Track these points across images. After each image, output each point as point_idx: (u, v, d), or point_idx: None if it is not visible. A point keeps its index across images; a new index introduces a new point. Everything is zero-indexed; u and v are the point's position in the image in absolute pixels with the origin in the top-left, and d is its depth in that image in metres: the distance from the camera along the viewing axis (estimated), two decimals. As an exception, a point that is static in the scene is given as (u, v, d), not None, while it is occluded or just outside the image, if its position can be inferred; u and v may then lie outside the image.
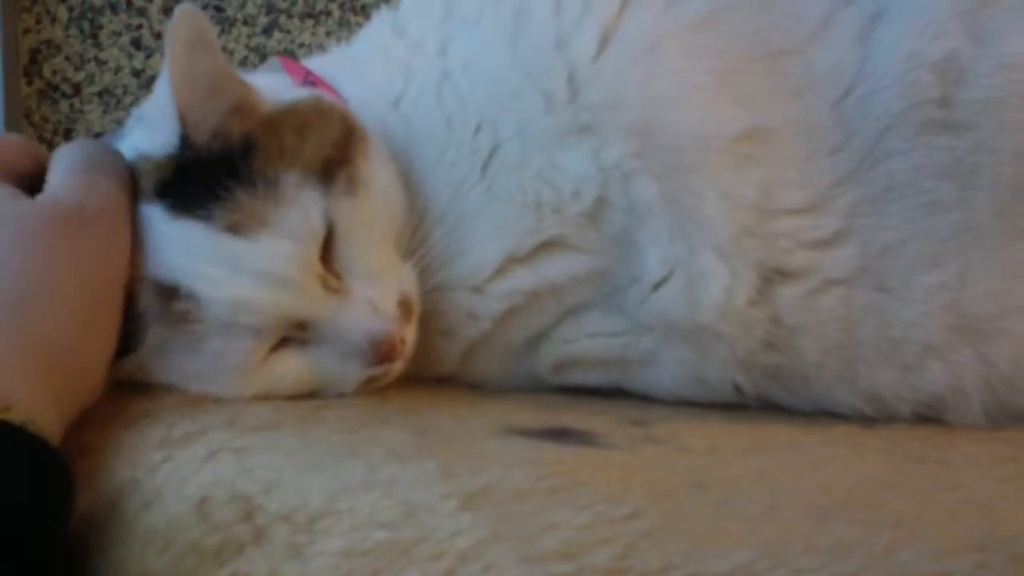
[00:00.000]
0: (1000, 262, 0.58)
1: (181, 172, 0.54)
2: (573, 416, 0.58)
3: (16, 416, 0.41)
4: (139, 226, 0.55)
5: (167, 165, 0.55)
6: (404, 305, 0.58)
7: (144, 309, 0.54)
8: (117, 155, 0.57)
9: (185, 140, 0.54)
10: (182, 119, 0.54)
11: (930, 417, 0.60)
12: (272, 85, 0.61)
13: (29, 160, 0.57)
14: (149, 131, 0.57)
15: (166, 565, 0.39)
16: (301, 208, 0.55)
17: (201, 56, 0.54)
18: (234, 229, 0.53)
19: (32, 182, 0.55)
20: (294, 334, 0.55)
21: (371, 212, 0.58)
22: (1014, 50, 0.57)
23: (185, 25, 0.53)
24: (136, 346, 0.54)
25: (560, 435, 0.54)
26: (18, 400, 0.42)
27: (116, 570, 0.40)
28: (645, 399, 0.63)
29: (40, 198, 0.53)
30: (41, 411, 0.44)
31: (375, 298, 0.56)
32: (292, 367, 0.56)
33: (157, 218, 0.55)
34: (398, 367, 0.58)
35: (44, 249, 0.50)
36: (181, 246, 0.54)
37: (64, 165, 0.55)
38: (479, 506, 0.41)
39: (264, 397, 0.56)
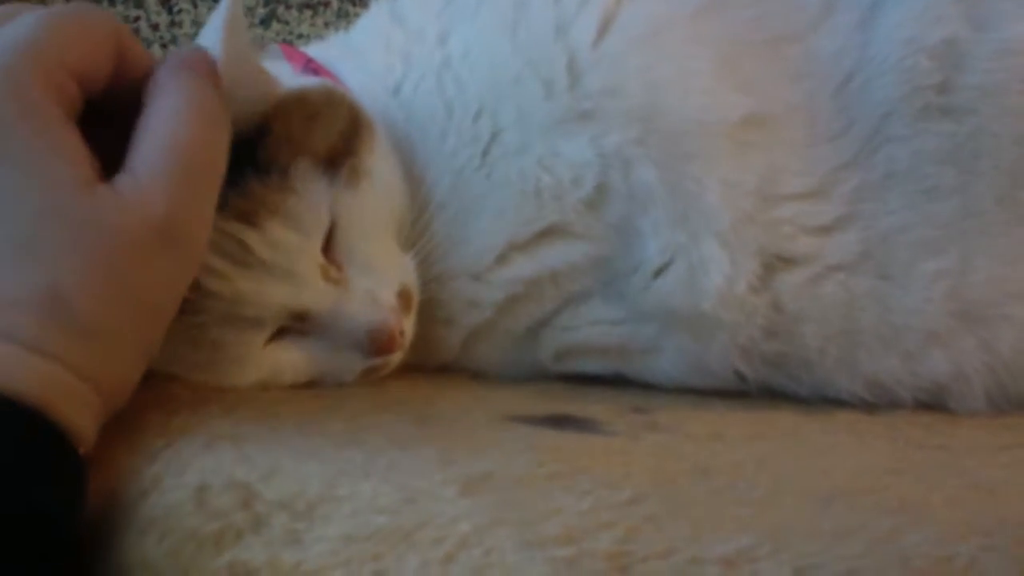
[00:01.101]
0: (1001, 248, 0.58)
1: None
2: (574, 404, 0.58)
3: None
4: None
5: None
6: (403, 297, 0.58)
7: None
8: (225, 130, 0.48)
9: None
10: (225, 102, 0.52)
11: (932, 404, 0.60)
12: (275, 72, 0.60)
13: (106, 60, 0.46)
14: None
15: (164, 553, 0.38)
16: (308, 198, 0.54)
17: (244, 44, 0.52)
18: (245, 218, 0.52)
19: (114, 86, 0.46)
20: (293, 324, 0.55)
21: (373, 204, 0.58)
22: (1014, 35, 0.57)
23: (235, 11, 0.50)
24: None
25: (561, 422, 0.54)
26: (67, 420, 0.40)
27: (115, 558, 0.40)
28: (647, 387, 0.63)
29: (121, 191, 0.43)
30: (87, 436, 0.42)
31: (375, 289, 0.56)
32: (291, 357, 0.56)
33: None
34: (396, 358, 0.57)
35: (119, 273, 0.43)
36: None
37: (161, 135, 0.45)
38: (480, 492, 0.41)
39: (263, 387, 0.55)
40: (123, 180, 0.44)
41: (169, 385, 0.54)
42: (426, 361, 0.62)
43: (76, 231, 0.42)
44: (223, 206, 0.51)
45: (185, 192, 0.45)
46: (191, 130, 0.46)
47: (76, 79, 0.45)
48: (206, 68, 0.48)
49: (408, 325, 0.58)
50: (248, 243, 0.52)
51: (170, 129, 0.45)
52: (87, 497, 0.41)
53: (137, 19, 1.38)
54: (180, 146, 0.45)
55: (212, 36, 0.51)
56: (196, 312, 0.52)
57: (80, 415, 0.41)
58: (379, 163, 0.59)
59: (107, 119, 0.46)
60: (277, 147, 0.54)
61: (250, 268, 0.52)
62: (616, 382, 0.63)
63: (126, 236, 0.43)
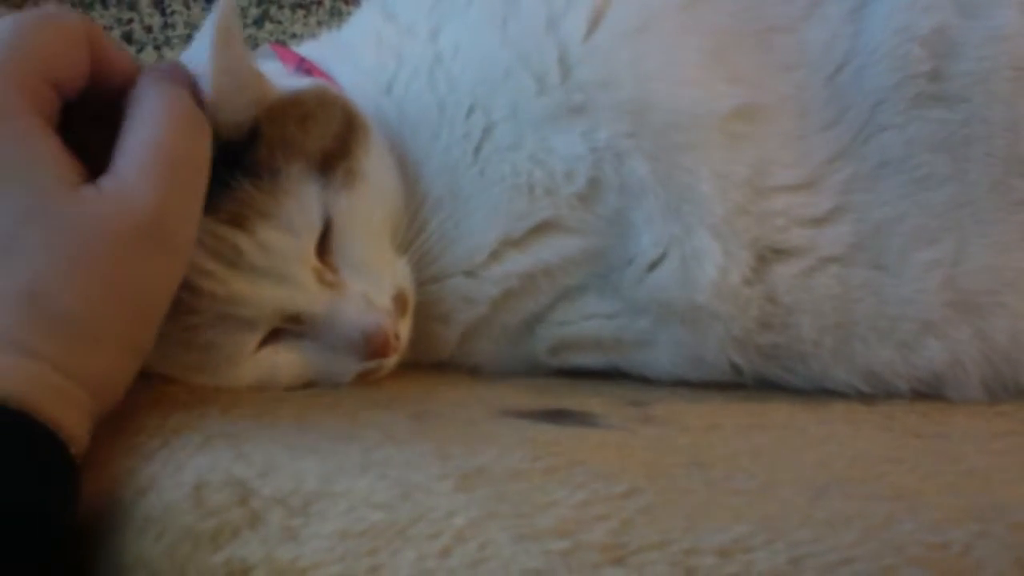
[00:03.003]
0: (995, 236, 0.58)
1: None
2: (571, 398, 0.58)
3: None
4: None
5: None
6: (399, 300, 0.58)
7: None
8: (205, 134, 0.49)
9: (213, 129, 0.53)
10: (214, 112, 0.52)
11: (929, 394, 0.60)
12: (268, 72, 0.60)
13: (81, 62, 0.47)
14: None
15: (162, 551, 0.38)
16: (300, 201, 0.54)
17: (236, 52, 0.52)
18: (236, 222, 0.52)
19: (91, 86, 0.47)
20: (288, 326, 0.55)
21: (369, 205, 0.58)
22: (1004, 21, 0.57)
23: (227, 19, 0.51)
24: None
25: (557, 416, 0.54)
26: (58, 421, 0.41)
27: (113, 557, 0.40)
28: (643, 380, 0.63)
29: (106, 191, 0.44)
30: (78, 434, 0.42)
31: (370, 292, 0.56)
32: (287, 360, 0.56)
33: None
34: (392, 362, 0.57)
35: (106, 271, 0.43)
36: None
37: (143, 138, 0.46)
38: (475, 486, 0.41)
39: (259, 389, 0.55)
40: (107, 181, 0.45)
41: (166, 386, 0.54)
42: (422, 358, 0.62)
43: (60, 231, 0.43)
44: (215, 210, 0.51)
45: (170, 191, 0.46)
46: (173, 132, 0.47)
47: (51, 84, 0.45)
48: (183, 78, 0.50)
49: (404, 328, 0.58)
50: (240, 247, 0.52)
51: (152, 131, 0.46)
52: (79, 496, 0.41)
53: (130, 21, 1.38)
54: (162, 147, 0.46)
55: (204, 43, 0.51)
56: (190, 313, 0.52)
57: (68, 413, 0.41)
58: (374, 164, 0.59)
59: (89, 120, 0.47)
60: (269, 150, 0.54)
61: (243, 271, 0.52)
62: (612, 376, 0.64)
63: (111, 235, 0.43)
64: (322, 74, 0.65)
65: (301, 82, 0.61)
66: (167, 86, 0.48)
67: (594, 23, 0.61)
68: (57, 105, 0.46)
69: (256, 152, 0.54)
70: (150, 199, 0.45)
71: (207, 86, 0.51)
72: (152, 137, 0.46)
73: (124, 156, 0.45)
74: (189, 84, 0.50)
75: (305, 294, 0.54)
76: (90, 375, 0.43)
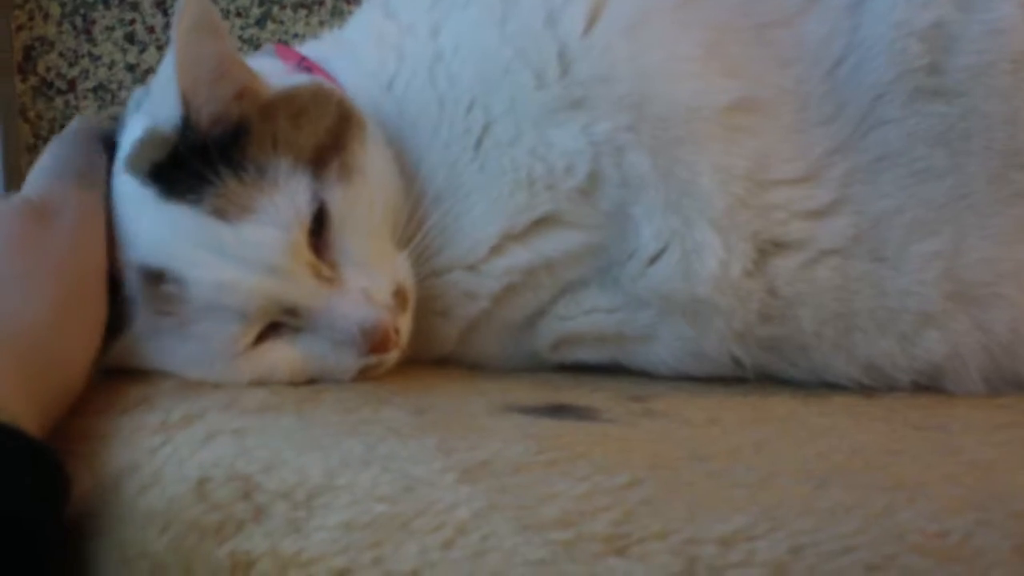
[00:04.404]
0: (994, 228, 0.58)
1: (177, 156, 0.54)
2: (572, 393, 0.58)
3: (4, 416, 0.41)
4: (125, 211, 0.55)
5: (163, 148, 0.55)
6: (399, 295, 0.58)
7: (131, 293, 0.54)
8: (84, 149, 0.58)
9: (186, 123, 0.54)
10: (185, 103, 0.54)
11: (929, 386, 0.60)
12: (266, 70, 0.61)
13: None
14: (149, 115, 0.57)
15: (167, 545, 0.39)
16: (289, 195, 0.54)
17: (207, 40, 0.54)
18: (219, 214, 0.53)
19: None
20: (286, 320, 0.55)
21: (366, 199, 0.58)
22: (1001, 15, 0.57)
23: (192, 9, 0.52)
24: (123, 328, 0.54)
25: (559, 411, 0.54)
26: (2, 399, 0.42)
27: (117, 551, 0.41)
28: (644, 375, 0.63)
29: (12, 197, 0.54)
30: (21, 410, 0.43)
31: (369, 287, 0.56)
32: (286, 355, 0.56)
33: (148, 201, 0.55)
34: (392, 356, 0.58)
35: (11, 244, 0.51)
36: (170, 230, 0.54)
37: (36, 166, 0.57)
38: (478, 479, 0.41)
39: (260, 384, 0.56)
40: (13, 195, 0.54)
41: (167, 381, 0.55)
42: (424, 353, 0.62)
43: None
44: (200, 202, 0.52)
45: (55, 184, 0.55)
46: (52, 152, 0.58)
47: None
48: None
49: (404, 323, 0.58)
50: (223, 238, 0.53)
51: (38, 164, 0.58)
52: (67, 501, 0.41)
53: (133, 22, 1.38)
54: (45, 165, 0.57)
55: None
56: (180, 302, 0.52)
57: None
58: (371, 158, 0.59)
59: None
60: (259, 146, 0.55)
61: (228, 260, 0.53)
62: (613, 371, 0.64)
63: (8, 224, 0.52)
64: (323, 72, 0.65)
65: (297, 79, 0.62)
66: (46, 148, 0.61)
67: (592, 19, 0.61)
68: None
69: (245, 147, 0.55)
70: (37, 193, 0.55)
71: (174, 83, 0.53)
72: (38, 166, 0.58)
73: (26, 182, 0.57)
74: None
75: (300, 287, 0.54)
76: (23, 343, 0.48)
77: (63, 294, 0.50)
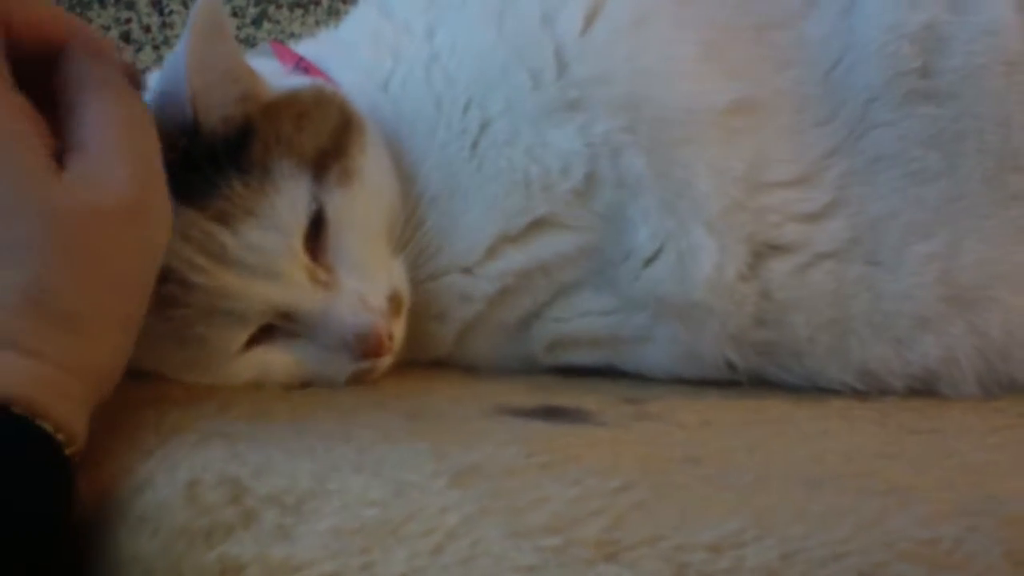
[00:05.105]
0: (990, 230, 0.58)
1: (185, 158, 0.53)
2: (566, 395, 0.58)
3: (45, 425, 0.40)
4: None
5: (172, 151, 0.54)
6: (393, 300, 0.58)
7: None
8: (147, 108, 0.50)
9: (195, 126, 0.53)
10: (194, 105, 0.53)
11: (923, 391, 0.60)
12: (266, 71, 0.61)
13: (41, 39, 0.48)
14: (155, 116, 0.56)
15: (157, 549, 0.39)
16: (288, 198, 0.54)
17: (218, 44, 0.53)
18: (222, 219, 0.53)
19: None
20: (281, 324, 0.55)
21: (364, 204, 0.58)
22: (993, 16, 0.57)
23: (205, 12, 0.52)
24: None
25: (552, 414, 0.54)
26: (64, 423, 0.41)
27: (109, 554, 0.40)
28: (638, 377, 0.63)
29: (84, 175, 0.44)
30: (81, 433, 0.42)
31: (364, 292, 0.56)
32: (281, 359, 0.56)
33: None
34: (386, 362, 0.57)
35: (97, 258, 0.44)
36: (175, 234, 0.53)
37: (102, 117, 0.46)
38: (469, 483, 0.41)
39: (254, 387, 0.55)
40: (80, 163, 0.45)
41: (162, 385, 0.54)
42: (419, 356, 0.62)
43: (50, 225, 0.43)
44: (204, 207, 0.52)
45: (140, 166, 0.46)
46: (128, 108, 0.48)
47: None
48: (110, 57, 0.50)
49: (398, 329, 0.58)
50: (225, 243, 0.52)
51: (109, 110, 0.47)
52: (75, 496, 0.41)
53: (128, 21, 1.38)
54: (123, 124, 0.47)
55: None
56: (181, 306, 0.52)
57: (67, 410, 0.41)
58: (370, 162, 0.59)
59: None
60: (264, 148, 0.54)
61: (230, 266, 0.53)
62: (608, 373, 0.64)
63: (98, 220, 0.44)
64: (319, 73, 0.65)
65: (299, 81, 0.62)
66: (103, 68, 0.49)
67: (590, 18, 0.61)
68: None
69: (250, 150, 0.54)
70: (125, 177, 0.45)
71: (185, 83, 0.52)
72: (111, 115, 0.47)
73: (90, 136, 0.46)
74: (114, 61, 0.50)
75: (296, 291, 0.54)
76: (89, 366, 0.44)
77: (127, 313, 0.47)
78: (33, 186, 0.43)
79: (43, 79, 0.48)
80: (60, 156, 0.45)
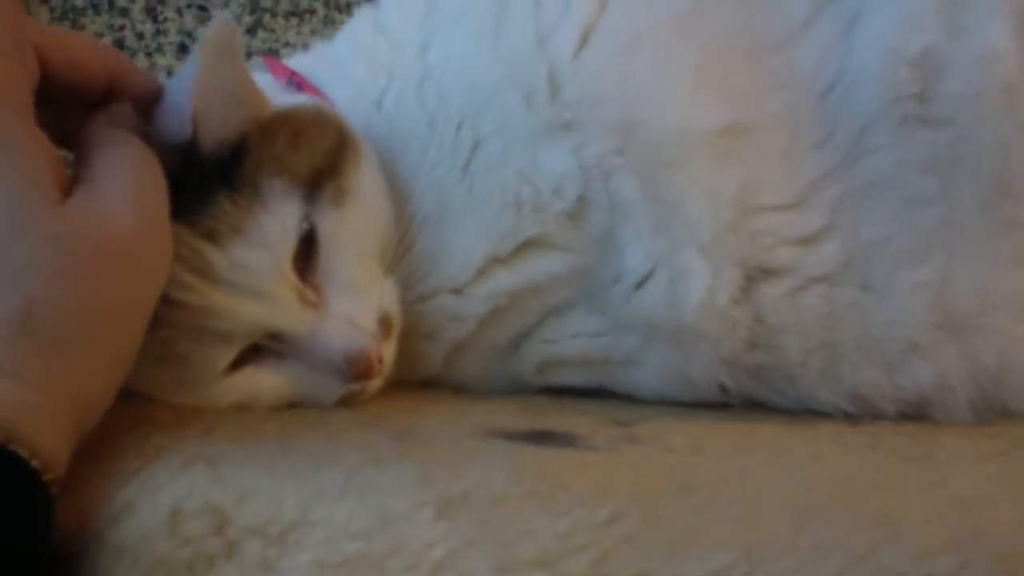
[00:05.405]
0: (983, 257, 0.57)
1: (179, 176, 0.53)
2: (556, 418, 0.58)
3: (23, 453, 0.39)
4: None
5: (166, 165, 0.53)
6: (384, 322, 0.57)
7: None
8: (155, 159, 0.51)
9: (193, 145, 0.52)
10: (195, 126, 0.52)
11: (915, 416, 0.59)
12: (259, 86, 0.60)
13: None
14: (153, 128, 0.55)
15: (137, 580, 0.38)
16: (279, 217, 0.54)
17: (228, 67, 0.52)
18: (211, 237, 0.52)
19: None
20: (269, 344, 0.55)
21: (357, 224, 0.57)
22: (992, 43, 0.56)
23: (220, 36, 0.51)
24: None
25: (542, 438, 0.54)
26: (41, 449, 0.40)
27: (90, 583, 0.40)
28: (629, 399, 0.63)
29: (88, 205, 0.45)
30: (61, 460, 0.42)
31: (354, 314, 0.55)
32: (269, 380, 0.55)
33: None
34: (375, 384, 0.57)
35: (93, 288, 0.44)
36: None
37: (110, 161, 0.48)
38: (456, 514, 0.40)
39: (242, 409, 0.55)
40: (86, 194, 0.45)
41: (148, 406, 0.54)
42: (409, 376, 0.62)
43: (48, 248, 0.43)
44: (192, 224, 0.51)
45: (146, 205, 0.47)
46: (138, 157, 0.49)
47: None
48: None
49: (388, 351, 0.57)
50: (213, 261, 0.52)
51: (117, 155, 0.48)
52: (53, 525, 0.40)
53: (122, 28, 1.37)
54: (132, 167, 0.48)
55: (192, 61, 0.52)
56: (167, 326, 0.51)
57: (49, 438, 0.41)
58: (365, 184, 0.58)
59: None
60: (256, 166, 0.54)
61: (218, 284, 0.52)
62: (598, 395, 0.63)
63: (97, 250, 0.44)
64: (312, 88, 0.65)
65: (297, 99, 0.61)
66: (117, 133, 0.50)
67: (584, 40, 0.61)
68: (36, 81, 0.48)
69: (242, 168, 0.54)
70: (129, 212, 0.46)
71: (189, 103, 0.51)
72: (124, 160, 0.48)
73: (100, 174, 0.47)
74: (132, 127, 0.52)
75: (284, 312, 0.54)
76: (75, 392, 0.43)
77: (124, 342, 0.47)
78: (34, 210, 0.43)
79: (76, 112, 0.50)
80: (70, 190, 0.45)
